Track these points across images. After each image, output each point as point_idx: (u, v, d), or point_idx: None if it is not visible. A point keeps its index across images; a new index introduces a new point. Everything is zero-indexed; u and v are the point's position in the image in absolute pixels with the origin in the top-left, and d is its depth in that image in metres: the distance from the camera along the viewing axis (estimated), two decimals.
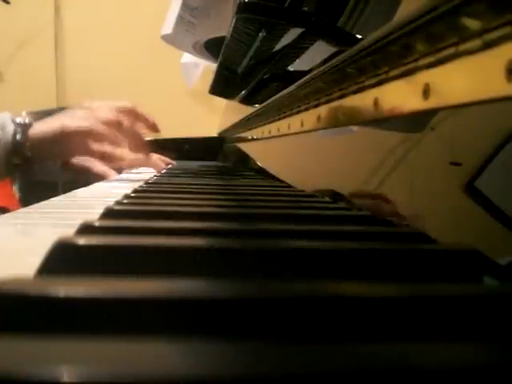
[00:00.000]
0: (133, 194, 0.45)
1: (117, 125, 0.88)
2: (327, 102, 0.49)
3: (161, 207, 0.36)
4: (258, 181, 0.76)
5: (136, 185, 0.56)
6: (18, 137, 0.87)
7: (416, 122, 0.33)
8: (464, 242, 0.25)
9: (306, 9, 0.51)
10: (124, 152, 0.89)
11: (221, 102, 1.65)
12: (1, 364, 0.10)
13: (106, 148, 0.87)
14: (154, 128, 0.99)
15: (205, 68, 2.32)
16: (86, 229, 0.26)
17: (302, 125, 0.60)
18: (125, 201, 0.39)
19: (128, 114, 0.93)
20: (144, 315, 0.14)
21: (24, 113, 0.95)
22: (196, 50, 1.20)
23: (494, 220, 0.25)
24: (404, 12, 0.31)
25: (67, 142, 0.87)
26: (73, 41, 2.94)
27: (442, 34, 0.28)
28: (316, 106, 0.53)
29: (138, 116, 0.96)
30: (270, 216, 0.35)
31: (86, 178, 0.96)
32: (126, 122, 0.91)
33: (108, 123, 0.87)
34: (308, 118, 0.57)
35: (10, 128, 0.89)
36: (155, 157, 1.26)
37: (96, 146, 0.86)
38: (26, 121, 0.91)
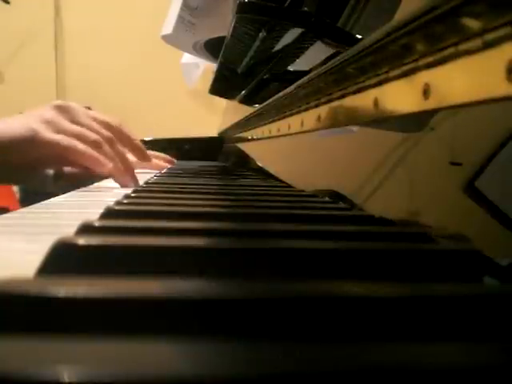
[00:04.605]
0: (133, 194, 0.45)
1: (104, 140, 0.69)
2: (327, 101, 0.49)
3: (161, 207, 0.36)
4: (257, 181, 0.76)
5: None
6: None
7: (416, 121, 0.33)
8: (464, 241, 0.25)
9: (306, 9, 0.51)
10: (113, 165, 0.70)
11: (221, 102, 1.66)
12: (1, 364, 0.10)
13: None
14: (141, 154, 0.77)
15: (205, 68, 2.32)
16: (85, 229, 0.26)
17: (302, 125, 0.60)
18: (125, 201, 0.39)
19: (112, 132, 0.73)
20: (144, 315, 0.14)
21: None
22: (196, 50, 1.20)
23: (493, 220, 0.25)
24: (404, 12, 0.31)
25: (38, 151, 0.67)
26: (73, 41, 2.94)
27: (442, 34, 0.28)
28: (316, 105, 0.53)
29: (122, 137, 0.75)
30: (269, 216, 0.35)
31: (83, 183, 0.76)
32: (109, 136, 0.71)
33: (87, 137, 0.68)
34: (308, 118, 0.57)
35: None
36: (154, 157, 1.23)
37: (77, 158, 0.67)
38: None
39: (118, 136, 0.73)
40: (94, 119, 0.72)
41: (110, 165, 0.67)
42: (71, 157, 0.66)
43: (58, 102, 0.72)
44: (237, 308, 0.15)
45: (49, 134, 0.66)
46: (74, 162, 0.68)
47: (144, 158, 0.78)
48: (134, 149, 0.76)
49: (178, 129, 1.87)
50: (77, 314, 0.14)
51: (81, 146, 0.66)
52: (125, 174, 0.70)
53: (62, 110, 0.70)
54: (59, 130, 0.68)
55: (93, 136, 0.68)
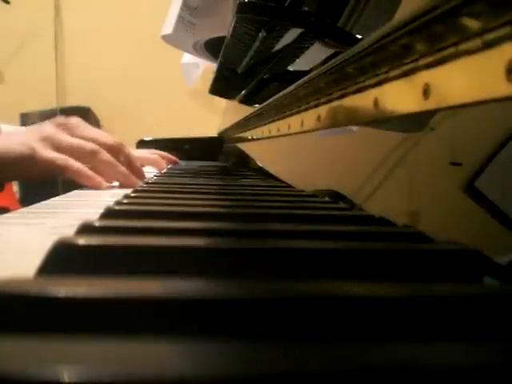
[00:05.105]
0: (133, 194, 0.45)
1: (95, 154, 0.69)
2: (327, 101, 0.49)
3: (161, 207, 0.36)
4: (257, 181, 0.76)
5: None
6: None
7: (416, 121, 0.33)
8: (464, 242, 0.25)
9: (306, 9, 0.51)
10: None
11: (221, 102, 1.66)
12: (1, 364, 0.10)
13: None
14: (137, 176, 0.74)
15: (205, 68, 2.32)
16: (85, 229, 0.26)
17: (302, 125, 0.60)
18: (125, 201, 0.39)
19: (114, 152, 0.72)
20: (144, 315, 0.14)
21: None
22: (196, 50, 1.20)
23: (493, 220, 0.25)
24: (404, 12, 0.31)
25: (36, 168, 0.67)
26: (73, 41, 2.95)
27: (442, 34, 0.28)
28: (316, 105, 0.53)
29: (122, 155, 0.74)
30: (269, 216, 0.35)
31: None
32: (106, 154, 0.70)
33: (89, 153, 0.68)
34: (308, 118, 0.57)
35: None
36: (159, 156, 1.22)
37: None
38: None
39: (117, 153, 0.72)
40: (96, 133, 0.73)
41: (104, 183, 0.67)
42: (68, 175, 0.67)
43: (60, 118, 0.72)
44: (237, 308, 0.15)
45: (46, 153, 0.66)
46: (71, 178, 0.68)
47: (138, 180, 0.75)
48: (133, 171, 0.74)
49: (178, 129, 1.87)
50: (77, 313, 0.14)
51: (76, 165, 0.66)
52: (129, 175, 0.71)
53: (63, 126, 0.70)
54: (57, 146, 0.68)
55: (90, 146, 0.68)
